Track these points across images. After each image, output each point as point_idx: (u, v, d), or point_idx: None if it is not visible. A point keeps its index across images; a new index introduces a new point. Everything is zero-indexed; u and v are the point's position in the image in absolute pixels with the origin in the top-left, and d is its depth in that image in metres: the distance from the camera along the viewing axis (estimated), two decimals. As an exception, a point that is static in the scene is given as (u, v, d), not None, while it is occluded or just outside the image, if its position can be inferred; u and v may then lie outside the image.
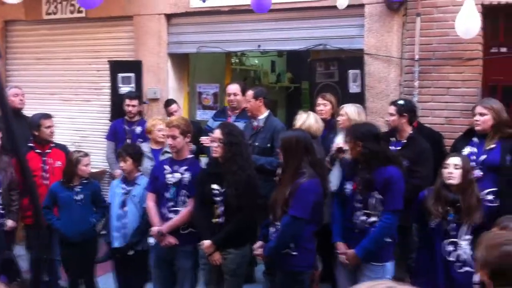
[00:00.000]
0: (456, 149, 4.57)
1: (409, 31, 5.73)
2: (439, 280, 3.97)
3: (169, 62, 7.23)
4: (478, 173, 4.36)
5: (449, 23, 5.30)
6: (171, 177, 4.45)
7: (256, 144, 5.25)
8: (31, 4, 7.75)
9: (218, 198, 4.17)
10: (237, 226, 4.14)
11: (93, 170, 5.84)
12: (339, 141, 4.73)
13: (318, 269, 5.04)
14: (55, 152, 5.50)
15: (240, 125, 5.16)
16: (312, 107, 5.77)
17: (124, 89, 7.16)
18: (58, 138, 5.83)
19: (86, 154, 5.04)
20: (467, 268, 3.89)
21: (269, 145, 5.22)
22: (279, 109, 9.48)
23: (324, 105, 5.41)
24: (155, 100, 7.16)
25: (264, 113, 5.40)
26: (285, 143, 4.00)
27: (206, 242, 4.18)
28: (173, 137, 4.43)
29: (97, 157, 6.94)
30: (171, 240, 4.41)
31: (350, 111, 5.00)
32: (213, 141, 4.28)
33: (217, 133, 4.23)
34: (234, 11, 6.69)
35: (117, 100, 7.03)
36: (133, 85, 7.20)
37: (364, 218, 3.96)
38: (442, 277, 3.96)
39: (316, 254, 4.20)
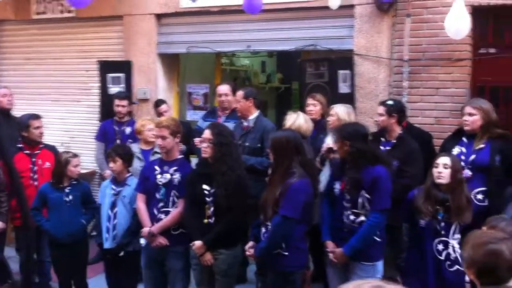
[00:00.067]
0: (445, 149, 4.59)
1: (398, 31, 5.75)
2: (429, 279, 3.98)
3: (159, 62, 7.20)
4: (467, 173, 4.39)
5: (439, 24, 5.31)
6: (161, 178, 4.43)
7: (246, 144, 5.25)
8: (20, 4, 7.70)
9: (208, 199, 4.16)
10: (226, 227, 4.13)
11: (83, 171, 5.81)
12: (329, 141, 4.74)
13: (310, 269, 5.05)
14: (44, 153, 5.46)
15: (230, 125, 5.15)
16: (302, 108, 5.77)
17: (113, 89, 7.14)
18: (47, 139, 5.81)
19: (76, 155, 5.00)
20: (457, 267, 3.91)
21: (259, 145, 5.23)
22: (269, 109, 9.50)
23: (314, 105, 5.42)
24: (145, 100, 7.13)
25: (254, 114, 5.41)
26: (275, 143, 4.00)
27: (197, 243, 4.17)
28: (163, 138, 4.41)
29: (87, 158, 6.87)
30: (162, 240, 4.40)
31: (340, 111, 5.01)
32: (202, 141, 4.27)
33: (207, 134, 4.22)
34: (224, 11, 6.68)
35: (106, 101, 7.01)
36: (123, 85, 7.18)
37: (353, 217, 3.97)
38: (433, 276, 3.98)
39: (308, 254, 4.20)
